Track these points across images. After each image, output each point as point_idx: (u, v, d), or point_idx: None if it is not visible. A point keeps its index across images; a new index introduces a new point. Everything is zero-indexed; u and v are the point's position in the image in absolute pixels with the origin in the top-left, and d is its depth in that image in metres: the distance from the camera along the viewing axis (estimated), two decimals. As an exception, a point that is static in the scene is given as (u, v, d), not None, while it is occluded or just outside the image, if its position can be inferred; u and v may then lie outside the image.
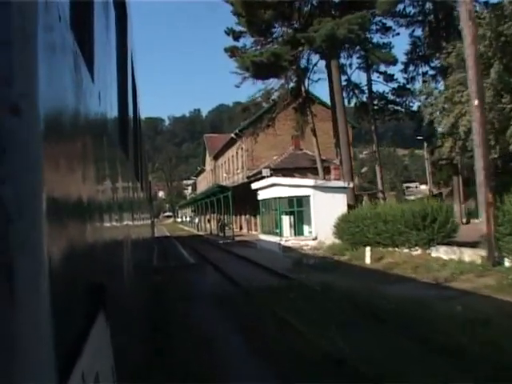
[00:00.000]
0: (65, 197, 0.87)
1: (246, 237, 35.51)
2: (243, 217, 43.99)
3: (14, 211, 0.55)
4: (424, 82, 33.46)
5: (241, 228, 44.74)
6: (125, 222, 2.44)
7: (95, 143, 1.34)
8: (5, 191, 0.54)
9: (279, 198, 21.33)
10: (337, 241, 21.03)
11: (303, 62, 30.05)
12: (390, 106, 35.85)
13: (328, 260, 17.60)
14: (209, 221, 52.92)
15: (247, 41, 29.95)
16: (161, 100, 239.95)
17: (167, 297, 11.18)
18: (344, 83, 32.34)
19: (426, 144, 53.71)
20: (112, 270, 1.71)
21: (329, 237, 21.02)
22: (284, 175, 33.40)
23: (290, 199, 21.72)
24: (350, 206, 21.72)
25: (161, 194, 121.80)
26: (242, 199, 38.28)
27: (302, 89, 29.84)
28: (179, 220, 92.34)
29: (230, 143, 45.95)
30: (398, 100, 35.88)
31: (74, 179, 0.97)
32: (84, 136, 1.14)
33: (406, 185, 75.38)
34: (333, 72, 26.40)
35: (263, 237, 24.71)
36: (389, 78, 34.61)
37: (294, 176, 33.56)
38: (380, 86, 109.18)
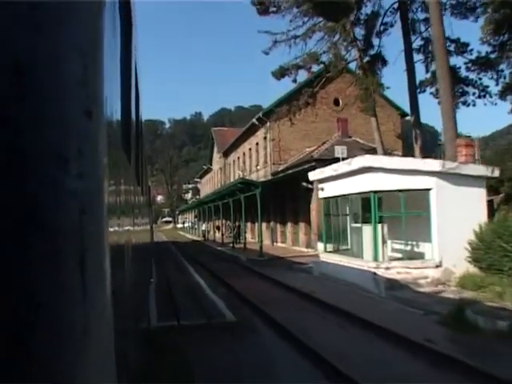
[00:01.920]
0: None
1: (272, 251, 26.00)
2: (264, 224, 34.33)
3: (86, 205, 0.59)
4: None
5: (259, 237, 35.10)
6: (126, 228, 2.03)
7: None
8: (80, 186, 0.58)
9: (374, 192, 11.79)
10: (472, 268, 11.63)
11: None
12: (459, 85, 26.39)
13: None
14: (218, 228, 43.43)
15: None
16: (161, 102, 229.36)
17: None
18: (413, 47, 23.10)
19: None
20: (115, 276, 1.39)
21: (460, 262, 11.58)
22: (331, 168, 24.05)
23: (391, 195, 12.20)
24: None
25: (159, 198, 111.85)
26: (264, 202, 28.83)
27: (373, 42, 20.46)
28: (180, 226, 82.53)
29: (248, 133, 36.41)
30: (471, 77, 26.43)
31: None
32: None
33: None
34: (431, 8, 16.92)
35: (326, 257, 15.13)
36: (462, 47, 25.31)
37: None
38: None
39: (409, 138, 42.48)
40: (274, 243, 30.68)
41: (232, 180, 42.57)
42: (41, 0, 0.56)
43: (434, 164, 11.67)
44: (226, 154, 47.29)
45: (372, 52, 20.62)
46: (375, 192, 11.82)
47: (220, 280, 14.97)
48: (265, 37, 22.15)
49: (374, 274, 11.59)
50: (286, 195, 27.82)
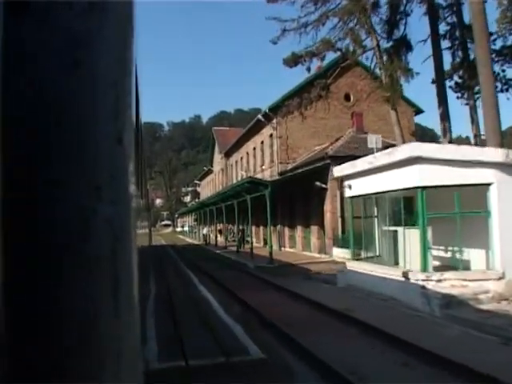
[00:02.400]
0: None
1: (281, 256, 23.84)
2: (272, 228, 32.21)
3: (118, 230, 0.60)
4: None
5: (265, 243, 32.95)
6: None
7: None
8: (113, 212, 0.59)
9: (422, 187, 9.61)
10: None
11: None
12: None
13: None
14: (220, 232, 41.35)
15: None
16: (160, 104, 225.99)
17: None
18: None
19: None
20: None
21: (526, 274, 9.42)
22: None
23: (432, 191, 10.01)
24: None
25: (158, 201, 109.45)
26: (270, 204, 26.66)
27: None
28: (179, 229, 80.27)
29: (253, 131, 34.27)
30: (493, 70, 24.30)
31: None
32: None
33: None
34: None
35: (354, 265, 12.90)
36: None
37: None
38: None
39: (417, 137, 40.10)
40: (282, 248, 28.48)
41: (234, 181, 40.45)
42: (80, 35, 0.57)
43: (494, 153, 9.52)
44: (227, 155, 45.15)
45: (396, 36, 18.46)
46: (423, 188, 9.64)
47: (230, 293, 12.79)
48: (267, 37, 20.19)
49: (423, 287, 9.42)
50: (295, 196, 25.69)
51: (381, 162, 10.48)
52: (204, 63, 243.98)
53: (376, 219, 13.44)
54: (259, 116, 29.97)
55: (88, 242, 0.56)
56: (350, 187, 12.49)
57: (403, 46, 18.14)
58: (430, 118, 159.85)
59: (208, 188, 60.86)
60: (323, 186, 21.51)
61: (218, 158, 49.90)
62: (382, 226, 13.09)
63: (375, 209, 13.42)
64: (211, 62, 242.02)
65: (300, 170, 22.21)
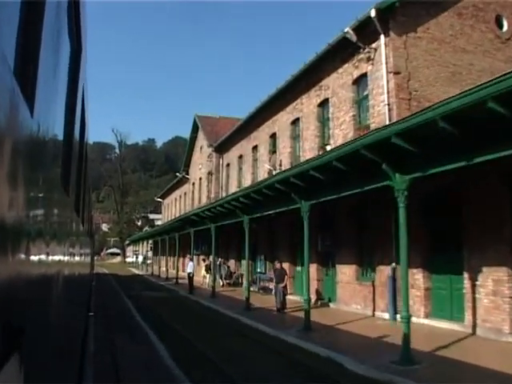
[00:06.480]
0: None
1: (443, 349, 7.55)
2: (348, 268, 15.68)
3: None
4: None
5: (318, 297, 16.24)
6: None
7: (32, 179, 1.19)
8: None
9: None
10: None
11: None
12: None
13: None
14: (208, 268, 24.34)
15: None
16: (112, 124, 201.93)
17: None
18: None
19: None
20: (33, 311, 1.33)
21: None
22: None
23: None
24: None
25: (104, 226, 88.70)
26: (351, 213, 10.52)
27: None
28: (130, 260, 61.13)
29: (300, 83, 18.07)
30: None
31: (4, 215, 0.88)
32: (18, 172, 1.01)
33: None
34: None
35: None
36: None
37: None
38: None
39: None
40: (375, 311, 11.85)
41: (233, 190, 23.93)
42: None
43: None
44: (221, 150, 28.58)
45: None
46: None
47: None
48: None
49: None
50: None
51: None
52: (160, 87, 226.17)
53: None
54: (348, 29, 13.68)
55: None
56: None
57: None
58: None
59: (176, 207, 43.32)
60: None
61: (201, 157, 32.90)
62: None
63: None
64: (167, 86, 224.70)
65: None
